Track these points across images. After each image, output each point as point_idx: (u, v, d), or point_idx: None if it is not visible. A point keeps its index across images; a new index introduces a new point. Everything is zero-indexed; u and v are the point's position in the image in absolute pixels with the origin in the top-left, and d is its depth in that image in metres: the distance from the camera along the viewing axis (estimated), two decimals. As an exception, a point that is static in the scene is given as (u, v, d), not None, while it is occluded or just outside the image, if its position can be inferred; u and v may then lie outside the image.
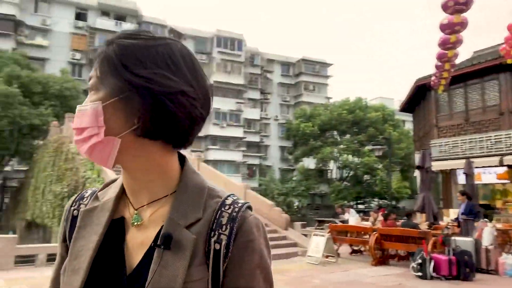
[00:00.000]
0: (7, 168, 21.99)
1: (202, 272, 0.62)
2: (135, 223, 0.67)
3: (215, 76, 33.89)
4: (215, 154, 32.99)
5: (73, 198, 0.77)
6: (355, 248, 10.05)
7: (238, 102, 35.06)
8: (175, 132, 0.65)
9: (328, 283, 6.75)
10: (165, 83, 0.62)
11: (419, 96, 17.10)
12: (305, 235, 11.33)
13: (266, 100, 39.01)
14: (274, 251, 7.65)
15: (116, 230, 0.67)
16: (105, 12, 34.41)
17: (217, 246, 0.63)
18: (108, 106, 0.62)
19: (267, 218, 11.16)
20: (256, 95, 37.86)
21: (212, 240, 0.63)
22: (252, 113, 36.74)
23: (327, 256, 8.64)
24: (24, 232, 15.68)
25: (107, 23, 33.33)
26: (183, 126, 0.65)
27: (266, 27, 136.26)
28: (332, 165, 31.33)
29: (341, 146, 28.73)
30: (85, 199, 0.75)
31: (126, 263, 0.64)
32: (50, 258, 8.18)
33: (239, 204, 0.67)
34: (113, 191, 0.72)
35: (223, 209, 0.66)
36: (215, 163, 30.68)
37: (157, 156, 0.66)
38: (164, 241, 0.62)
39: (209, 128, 32.77)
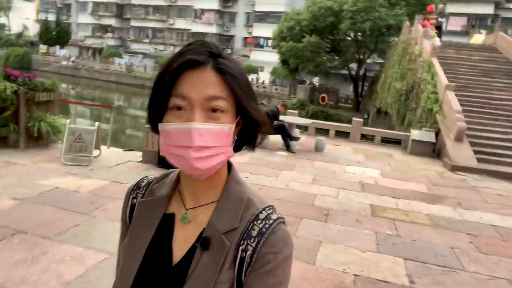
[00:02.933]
0: (369, 61, 26.40)
1: (230, 275, 0.70)
2: (184, 222, 0.75)
3: None
4: None
5: (130, 186, 0.86)
6: None
7: None
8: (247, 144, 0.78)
9: None
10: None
11: None
12: None
13: None
14: None
15: (166, 224, 0.76)
16: None
17: (243, 255, 0.70)
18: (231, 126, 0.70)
19: None
20: None
21: (241, 248, 0.70)
22: None
23: None
24: (375, 116, 19.63)
25: None
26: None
27: None
28: None
29: None
30: (141, 189, 0.83)
31: (173, 255, 0.73)
32: (384, 140, 10.92)
33: (271, 221, 0.72)
34: (167, 187, 0.80)
35: (255, 222, 0.72)
36: None
37: (224, 169, 0.77)
38: (204, 243, 0.70)
39: None
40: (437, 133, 9.96)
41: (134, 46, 49.30)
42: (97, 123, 6.06)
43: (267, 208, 0.74)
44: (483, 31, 21.26)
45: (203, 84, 0.67)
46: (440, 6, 19.01)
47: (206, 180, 0.73)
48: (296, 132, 8.91)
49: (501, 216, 5.44)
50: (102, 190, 4.75)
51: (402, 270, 3.51)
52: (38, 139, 6.36)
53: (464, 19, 30.80)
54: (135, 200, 0.82)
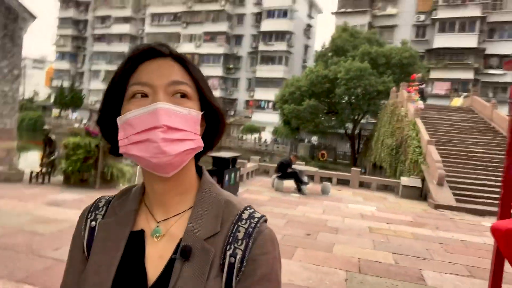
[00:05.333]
0: (363, 121, 29.05)
1: (218, 284, 0.63)
2: (156, 237, 0.68)
3: None
4: None
5: (87, 208, 0.76)
6: None
7: None
8: (210, 148, 0.74)
9: None
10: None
11: None
12: None
13: None
14: None
15: (135, 243, 0.68)
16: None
17: (232, 260, 0.64)
18: (198, 116, 0.67)
19: None
20: None
21: (228, 253, 0.65)
22: None
23: None
24: (371, 170, 21.62)
25: (451, -21, 33.41)
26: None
27: None
28: None
29: None
30: (100, 209, 0.75)
31: (147, 276, 0.65)
32: (379, 186, 12.76)
33: (256, 219, 0.68)
34: (131, 202, 0.72)
35: (239, 223, 0.67)
36: None
37: (192, 170, 0.71)
38: (184, 253, 0.64)
39: None
40: (423, 180, 11.86)
41: (145, 108, 52.53)
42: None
43: (248, 208, 0.71)
44: (463, 94, 24.07)
45: (165, 70, 0.66)
46: (419, 74, 21.90)
47: (174, 184, 0.68)
48: (305, 178, 10.80)
49: (468, 235, 7.17)
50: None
51: (390, 257, 5.22)
52: (109, 181, 8.22)
53: (448, 84, 34.10)
54: (93, 222, 0.73)
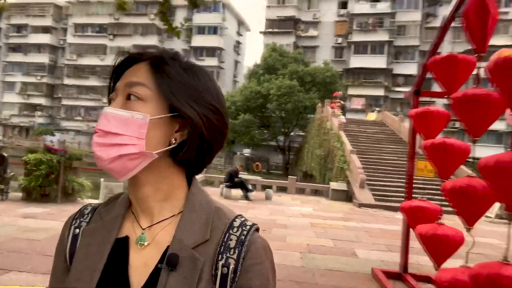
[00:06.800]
0: (293, 134, 31.40)
1: None
2: (140, 243, 0.66)
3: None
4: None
5: (72, 215, 0.74)
6: None
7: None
8: (202, 162, 0.69)
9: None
10: (212, 120, 0.65)
11: None
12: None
13: None
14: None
15: (120, 250, 0.66)
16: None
17: (225, 270, 0.62)
18: (152, 121, 0.62)
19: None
20: None
21: (220, 263, 0.62)
22: None
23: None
24: (302, 178, 23.67)
25: (363, 7, 37.92)
26: (212, 158, 0.70)
27: None
28: None
29: None
30: (85, 216, 0.72)
31: (131, 285, 0.63)
32: (312, 192, 14.48)
33: (247, 227, 0.66)
34: (118, 209, 0.70)
35: (231, 231, 0.65)
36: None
37: (174, 176, 0.67)
38: (171, 262, 0.61)
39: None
40: (348, 184, 13.84)
41: (65, 124, 49.86)
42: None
43: (239, 216, 0.69)
44: (376, 109, 27.51)
45: (130, 73, 0.65)
46: (340, 92, 24.76)
47: (150, 190, 0.66)
48: (249, 186, 12.03)
49: (385, 225, 8.98)
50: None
51: (330, 242, 6.65)
52: (70, 195, 8.59)
53: (363, 100, 38.20)
54: (77, 229, 0.70)
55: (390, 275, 4.81)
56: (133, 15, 46.36)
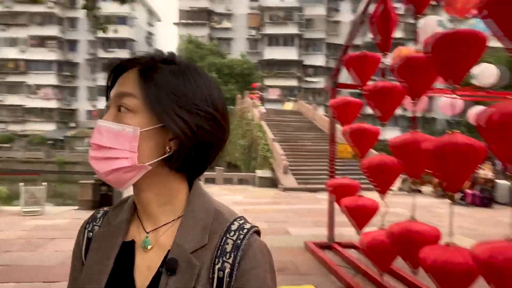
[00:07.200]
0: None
1: None
2: (144, 247, 0.68)
3: None
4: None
5: (86, 220, 0.77)
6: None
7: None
8: (200, 168, 0.70)
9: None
10: (204, 127, 0.65)
11: None
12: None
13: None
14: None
15: (126, 253, 0.69)
16: (271, -10, 40.26)
17: (221, 274, 0.63)
18: (143, 133, 0.63)
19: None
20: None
21: (216, 267, 0.63)
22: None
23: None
24: (226, 169, 24.15)
25: (273, 0, 39.27)
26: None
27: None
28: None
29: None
30: (98, 220, 0.75)
31: (136, 286, 0.66)
32: (240, 181, 15.01)
33: (245, 230, 0.66)
34: (125, 213, 0.72)
35: (228, 235, 0.66)
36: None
37: (174, 181, 0.69)
38: (170, 266, 0.63)
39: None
40: (273, 171, 14.66)
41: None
42: (44, 183, 8.07)
43: (238, 219, 0.69)
44: (291, 99, 29.05)
45: (120, 81, 0.66)
46: (258, 83, 25.69)
47: (151, 195, 0.68)
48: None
49: (309, 205, 9.88)
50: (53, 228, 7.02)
51: (265, 224, 7.20)
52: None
53: (279, 90, 39.85)
54: (91, 233, 0.74)
55: (320, 245, 5.50)
56: (27, 2, 41.74)
